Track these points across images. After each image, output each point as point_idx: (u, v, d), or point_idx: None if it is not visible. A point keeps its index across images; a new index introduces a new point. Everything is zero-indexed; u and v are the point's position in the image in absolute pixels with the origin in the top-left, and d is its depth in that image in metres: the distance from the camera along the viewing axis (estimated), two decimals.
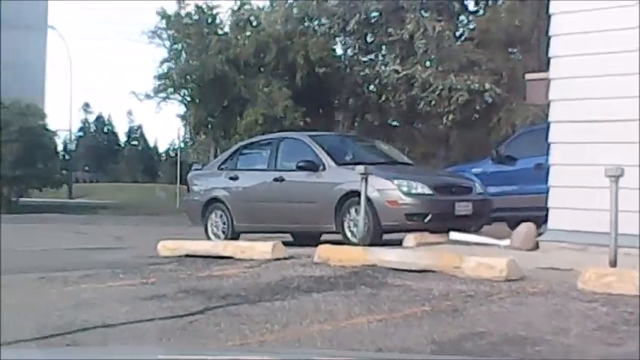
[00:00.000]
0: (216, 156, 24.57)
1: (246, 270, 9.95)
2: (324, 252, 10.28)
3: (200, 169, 16.64)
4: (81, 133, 71.50)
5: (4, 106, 30.62)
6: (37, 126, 31.20)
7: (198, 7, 30.84)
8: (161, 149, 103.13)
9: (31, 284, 9.30)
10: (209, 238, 14.60)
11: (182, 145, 31.41)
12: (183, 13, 31.06)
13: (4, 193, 30.26)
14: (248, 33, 30.56)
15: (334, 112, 32.66)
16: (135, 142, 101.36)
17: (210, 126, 31.35)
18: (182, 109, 34.16)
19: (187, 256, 11.44)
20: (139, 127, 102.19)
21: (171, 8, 32.34)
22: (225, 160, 15.71)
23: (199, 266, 10.50)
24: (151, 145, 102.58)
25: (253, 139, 16.91)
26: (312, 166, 13.93)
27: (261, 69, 29.51)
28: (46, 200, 32.78)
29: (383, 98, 31.32)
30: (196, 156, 42.81)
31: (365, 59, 33.12)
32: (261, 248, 10.80)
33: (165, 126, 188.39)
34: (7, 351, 4.45)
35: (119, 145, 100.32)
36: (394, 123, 34.37)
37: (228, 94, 29.40)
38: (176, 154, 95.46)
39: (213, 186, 15.23)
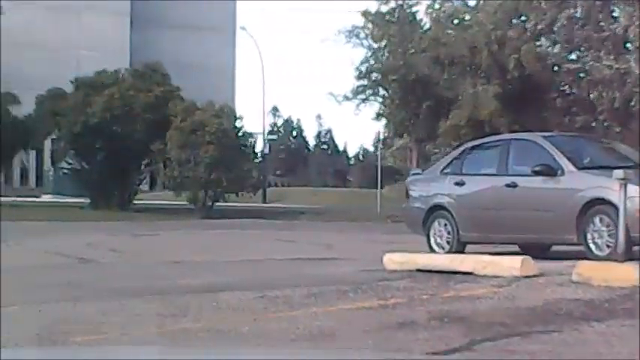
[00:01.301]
0: (418, 160, 23.29)
1: (495, 290, 8.62)
2: (585, 270, 8.82)
3: (420, 174, 15.35)
4: (274, 137, 71.66)
5: (198, 108, 30.32)
6: (232, 129, 30.73)
7: (399, 4, 29.74)
8: (351, 153, 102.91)
9: (253, 305, 8.28)
10: (432, 249, 13.31)
11: (381, 148, 30.55)
12: (384, 10, 30.04)
13: (200, 198, 29.93)
14: (450, 31, 29.18)
15: (542, 112, 30.84)
16: (324, 146, 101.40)
17: (410, 128, 30.14)
18: (378, 111, 33.09)
19: (418, 270, 10.18)
20: (329, 130, 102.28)
21: (372, 6, 31.36)
22: (449, 163, 14.35)
23: (437, 284, 9.24)
24: (340, 148, 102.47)
25: (480, 141, 15.37)
26: (550, 171, 12.42)
27: (469, 69, 28.07)
28: (241, 205, 32.29)
29: (593, 96, 29.36)
30: (394, 160, 41.69)
31: (573, 56, 31.20)
32: (507, 264, 9.44)
33: (356, 129, 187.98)
34: (8, 351, 4.36)
35: (308, 149, 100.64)
36: (605, 123, 32.21)
37: (431, 94, 28.12)
38: (364, 158, 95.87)
39: (435, 192, 13.91)
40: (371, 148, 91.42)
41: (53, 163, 46.15)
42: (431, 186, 14.15)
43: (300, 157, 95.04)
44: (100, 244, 18.08)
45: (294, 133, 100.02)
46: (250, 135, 32.93)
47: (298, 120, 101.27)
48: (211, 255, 16.26)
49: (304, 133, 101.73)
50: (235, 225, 25.90)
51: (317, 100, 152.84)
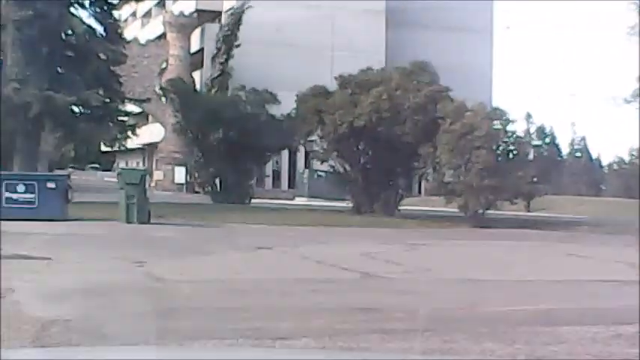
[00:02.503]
0: None
1: None
2: None
3: None
4: (539, 142, 68.92)
5: (468, 109, 28.28)
6: (504, 132, 28.51)
7: None
8: (605, 161, 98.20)
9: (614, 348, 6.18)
10: None
11: None
12: None
13: (471, 205, 27.86)
14: None
15: None
16: (578, 154, 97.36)
17: None
18: None
19: None
20: (583, 138, 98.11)
21: None
22: None
23: None
24: (594, 156, 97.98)
25: None
26: None
27: None
28: (508, 213, 30.05)
29: None
30: None
31: None
32: None
33: (611, 136, 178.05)
34: (8, 351, 4.32)
35: (560, 156, 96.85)
36: None
37: None
38: (622, 166, 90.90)
39: None
40: (627, 157, 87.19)
41: (307, 164, 45.79)
42: None
43: (553, 165, 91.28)
44: (375, 255, 16.52)
45: (547, 140, 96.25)
46: (520, 138, 30.60)
47: (551, 127, 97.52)
48: (506, 272, 14.32)
49: (557, 140, 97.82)
50: (508, 235, 23.80)
51: (567, 106, 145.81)
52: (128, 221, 20.88)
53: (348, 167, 29.81)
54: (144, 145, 53.60)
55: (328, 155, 29.85)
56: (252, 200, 32.49)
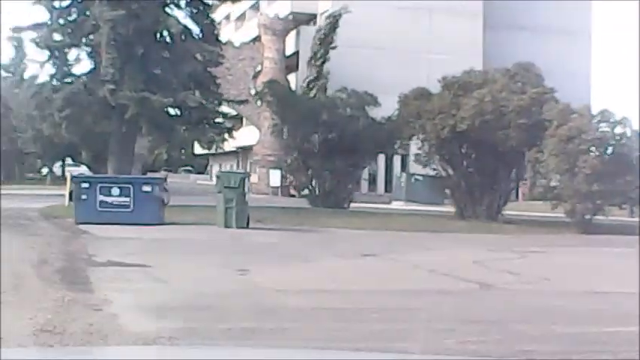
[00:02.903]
0: None
1: None
2: None
3: None
4: None
5: (574, 112, 27.02)
6: (612, 135, 27.19)
7: None
8: None
9: None
10: None
11: None
12: None
13: (579, 211, 26.61)
14: None
15: None
16: None
17: None
18: None
19: None
20: None
21: None
22: None
23: None
24: None
25: None
26: None
27: None
28: (611, 219, 28.66)
29: None
30: None
31: None
32: None
33: None
34: (7, 351, 4.50)
35: None
36: None
37: None
38: None
39: None
40: None
41: (403, 168, 44.89)
42: None
43: None
44: (487, 263, 15.57)
45: None
46: (628, 141, 29.18)
47: None
48: (631, 283, 13.15)
49: None
50: (617, 242, 22.60)
51: None
52: (226, 226, 20.16)
53: (450, 171, 28.80)
54: (237, 148, 53.25)
55: (431, 159, 28.85)
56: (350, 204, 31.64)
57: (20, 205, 27.95)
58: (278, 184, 44.00)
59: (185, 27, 27.13)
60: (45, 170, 65.41)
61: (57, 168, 61.82)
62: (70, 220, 21.14)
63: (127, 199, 20.84)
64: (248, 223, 20.49)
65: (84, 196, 20.88)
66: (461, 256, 16.63)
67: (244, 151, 55.64)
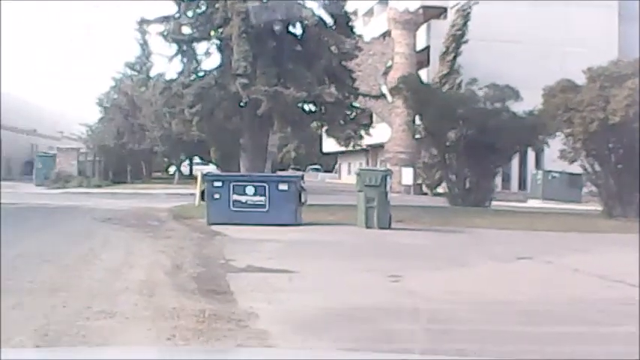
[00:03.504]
0: None
1: None
2: None
3: None
4: None
5: None
6: None
7: None
8: None
9: None
10: None
11: None
12: None
13: None
14: None
15: None
16: None
17: None
18: None
19: None
20: None
21: None
22: None
23: None
24: None
25: None
26: None
27: None
28: None
29: None
30: None
31: None
32: None
33: None
34: (8, 351, 4.31)
35: None
36: None
37: None
38: None
39: None
40: None
41: (538, 164, 43.10)
42: None
43: None
44: None
45: None
46: None
47: None
48: None
49: None
50: None
51: None
52: (367, 226, 18.83)
53: (597, 167, 26.91)
54: (367, 145, 52.05)
55: (578, 155, 26.98)
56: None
57: (148, 204, 27.45)
58: (410, 182, 42.75)
59: (320, 18, 25.71)
60: (172, 169, 65.57)
61: (184, 167, 61.68)
62: (201, 220, 20.33)
63: (262, 198, 19.80)
64: (390, 224, 19.15)
65: (216, 196, 19.96)
66: (624, 259, 14.95)
67: (373, 149, 54.46)
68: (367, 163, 56.77)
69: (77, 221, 20.97)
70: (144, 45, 57.51)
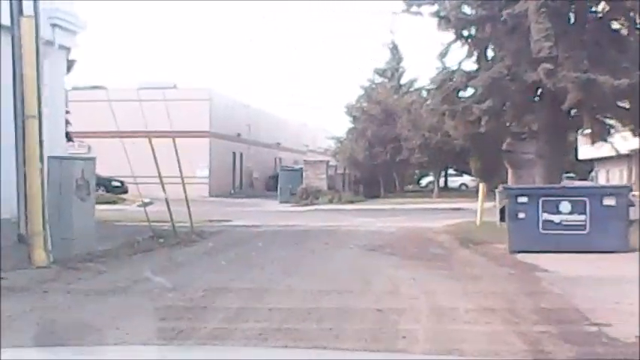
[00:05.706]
0: None
1: None
2: None
3: None
4: None
5: None
6: None
7: None
8: None
9: None
10: None
11: None
12: None
13: None
14: None
15: None
16: None
17: None
18: None
19: None
20: None
21: None
22: None
23: None
24: None
25: None
26: None
27: None
28: None
29: None
30: None
31: None
32: None
33: None
34: (7, 351, 4.12)
35: None
36: None
37: None
38: None
39: None
40: None
41: None
42: None
43: None
44: None
45: None
46: None
47: None
48: None
49: None
50: None
51: None
52: None
53: None
54: (630, 150, 44.94)
55: None
56: None
57: (415, 224, 23.29)
58: None
59: None
60: (424, 181, 61.53)
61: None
62: (497, 246, 15.90)
63: (582, 217, 15.13)
64: None
65: (521, 215, 15.36)
66: None
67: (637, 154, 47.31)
68: (630, 172, 49.66)
69: (341, 252, 16.17)
70: (394, 49, 53.98)
